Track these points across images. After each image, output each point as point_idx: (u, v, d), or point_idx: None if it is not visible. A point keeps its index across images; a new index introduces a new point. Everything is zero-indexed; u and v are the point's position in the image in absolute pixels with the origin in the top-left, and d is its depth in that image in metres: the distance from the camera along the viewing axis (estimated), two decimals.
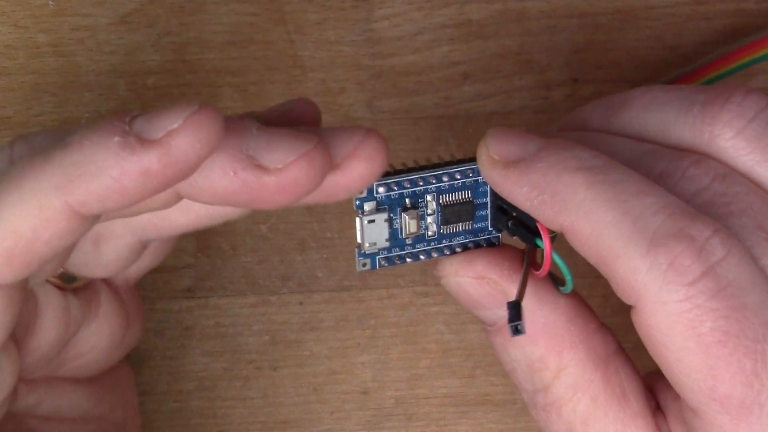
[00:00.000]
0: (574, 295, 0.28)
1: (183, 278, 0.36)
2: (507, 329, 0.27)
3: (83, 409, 0.30)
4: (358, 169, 0.25)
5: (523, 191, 0.26)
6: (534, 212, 0.26)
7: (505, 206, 0.28)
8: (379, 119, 0.36)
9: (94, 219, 0.24)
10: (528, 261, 0.27)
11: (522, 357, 0.28)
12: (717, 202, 0.26)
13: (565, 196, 0.25)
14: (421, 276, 0.36)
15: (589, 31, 0.36)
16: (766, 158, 0.26)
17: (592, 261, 0.25)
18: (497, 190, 0.27)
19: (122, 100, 0.35)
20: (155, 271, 0.33)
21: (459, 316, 0.36)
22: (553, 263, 0.27)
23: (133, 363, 0.34)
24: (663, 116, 0.27)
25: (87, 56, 0.35)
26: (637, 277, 0.24)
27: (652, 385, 0.28)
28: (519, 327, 0.26)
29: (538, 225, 0.26)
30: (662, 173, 0.26)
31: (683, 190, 0.26)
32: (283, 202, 0.24)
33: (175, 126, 0.23)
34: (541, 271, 0.27)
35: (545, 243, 0.26)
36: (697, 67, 0.34)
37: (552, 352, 0.27)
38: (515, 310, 0.26)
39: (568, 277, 0.27)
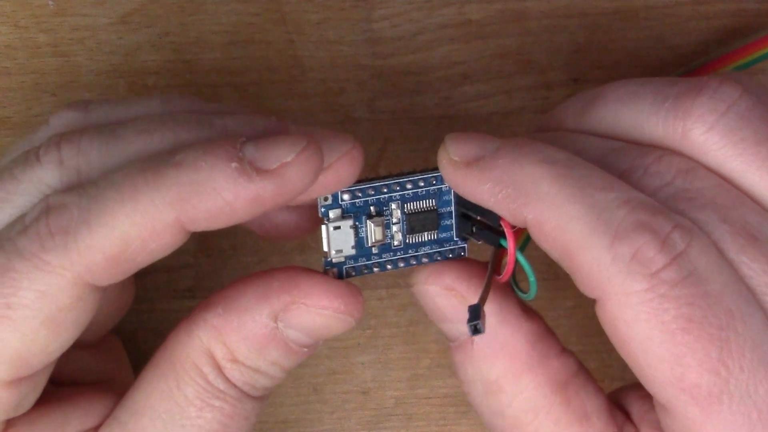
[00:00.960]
0: (539, 320, 0.28)
1: (183, 278, 0.36)
2: (468, 346, 0.28)
3: (95, 373, 0.31)
4: (344, 170, 0.27)
5: (485, 188, 0.26)
6: (498, 208, 0.26)
7: (469, 212, 0.28)
8: (379, 119, 0.36)
9: (188, 236, 0.26)
10: (493, 266, 0.27)
11: (478, 377, 0.28)
12: (680, 197, 0.26)
13: (529, 189, 0.25)
14: None
15: (589, 31, 0.36)
16: (738, 152, 0.26)
17: (556, 254, 0.25)
18: (460, 192, 0.27)
19: None
20: (155, 271, 0.34)
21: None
22: (519, 265, 0.27)
23: (134, 363, 0.34)
24: (636, 111, 0.27)
25: (87, 56, 0.35)
26: (601, 269, 0.24)
27: (622, 400, 0.28)
28: (478, 326, 0.25)
29: (501, 222, 0.26)
30: (626, 170, 0.26)
31: (646, 186, 0.26)
32: (280, 200, 0.25)
33: (288, 159, 0.25)
34: (505, 271, 0.27)
35: (509, 240, 0.26)
36: (696, 67, 0.34)
37: (509, 375, 0.27)
38: (475, 311, 0.26)
39: (531, 278, 0.27)
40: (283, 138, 0.25)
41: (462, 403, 0.36)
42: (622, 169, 0.26)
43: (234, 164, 0.25)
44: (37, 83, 0.35)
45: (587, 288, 0.25)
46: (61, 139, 0.27)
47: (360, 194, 0.28)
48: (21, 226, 0.26)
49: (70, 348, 0.28)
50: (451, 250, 0.29)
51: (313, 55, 0.36)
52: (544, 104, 0.36)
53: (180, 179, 0.25)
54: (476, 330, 0.26)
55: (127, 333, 0.35)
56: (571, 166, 0.25)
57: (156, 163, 0.25)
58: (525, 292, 0.28)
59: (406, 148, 0.36)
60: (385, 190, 0.28)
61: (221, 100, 0.36)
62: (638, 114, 0.27)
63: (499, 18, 0.36)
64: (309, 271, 0.28)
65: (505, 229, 0.26)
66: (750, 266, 0.25)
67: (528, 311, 0.28)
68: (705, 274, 0.24)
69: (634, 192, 0.25)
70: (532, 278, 0.27)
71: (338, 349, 0.36)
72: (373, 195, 0.28)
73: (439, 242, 0.29)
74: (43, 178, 0.27)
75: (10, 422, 0.27)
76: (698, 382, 0.24)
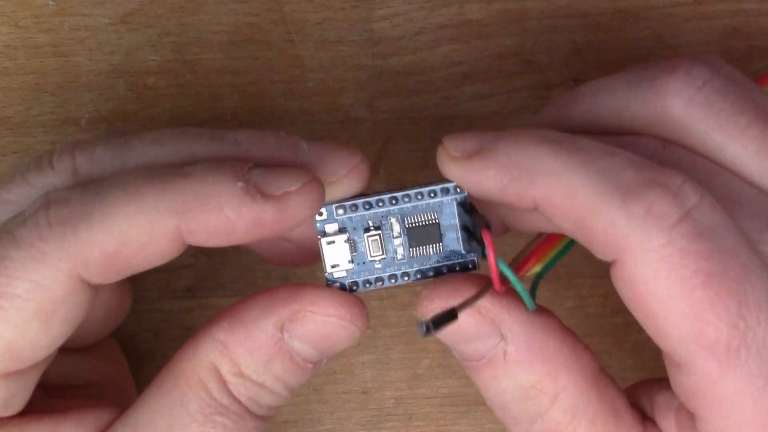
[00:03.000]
0: (554, 315, 0.28)
1: (183, 278, 0.36)
2: (499, 358, 0.27)
3: (86, 376, 0.31)
4: (351, 184, 0.28)
5: (489, 175, 0.26)
6: (504, 193, 0.26)
7: (467, 225, 0.27)
8: (379, 119, 0.36)
9: (185, 247, 0.26)
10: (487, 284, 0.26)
11: (515, 386, 0.27)
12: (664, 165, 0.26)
13: (533, 167, 0.25)
14: None
15: (589, 31, 0.36)
16: (719, 125, 0.26)
17: (569, 226, 0.25)
18: (463, 185, 0.27)
19: (122, 100, 0.35)
20: (155, 271, 0.33)
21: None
22: (503, 278, 0.26)
23: (134, 363, 0.34)
24: (613, 98, 0.28)
25: (87, 56, 0.35)
26: (617, 228, 0.24)
27: (634, 399, 0.28)
28: (428, 326, 0.24)
29: (481, 231, 0.26)
30: None
31: None
32: (282, 226, 0.26)
33: (293, 188, 0.26)
34: (494, 280, 0.26)
35: (488, 249, 0.26)
36: None
37: (548, 377, 0.27)
38: (445, 317, 0.25)
39: (524, 296, 0.26)
40: (290, 169, 0.26)
41: (462, 403, 0.36)
42: None
43: (240, 183, 0.25)
44: (37, 83, 0.35)
45: (604, 251, 0.25)
46: (75, 147, 0.27)
47: (355, 209, 0.28)
48: (20, 218, 0.26)
49: (64, 352, 0.28)
50: (461, 264, 0.28)
51: (313, 55, 0.36)
52: (544, 104, 0.36)
53: (186, 189, 0.25)
54: (427, 330, 0.25)
55: (127, 333, 0.35)
56: (572, 141, 0.25)
57: (163, 170, 0.26)
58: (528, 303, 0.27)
59: (406, 148, 0.36)
60: (381, 204, 0.28)
61: (221, 100, 0.36)
62: (616, 99, 0.28)
63: (499, 18, 0.36)
64: (313, 285, 0.28)
65: (485, 238, 0.26)
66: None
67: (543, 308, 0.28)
68: (719, 229, 0.24)
69: (636, 155, 0.25)
70: (524, 295, 0.26)
71: None
72: (369, 210, 0.28)
73: (446, 256, 0.28)
74: (55, 184, 0.27)
75: (0, 423, 0.27)
76: (717, 337, 0.24)
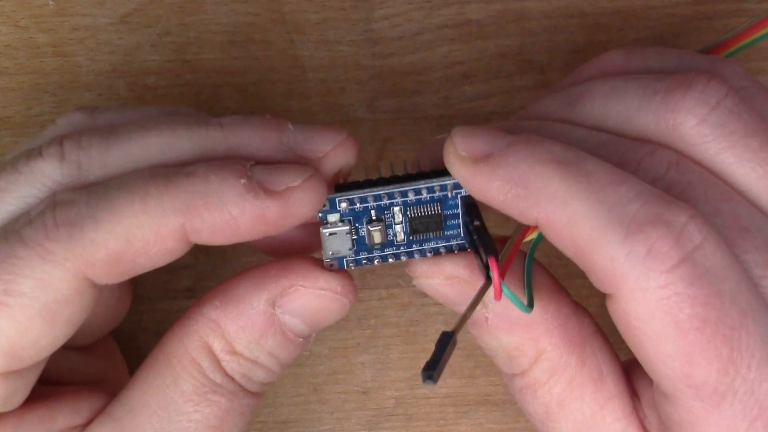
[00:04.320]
0: (548, 277, 0.28)
1: (183, 278, 0.36)
2: (482, 323, 0.28)
3: (83, 373, 0.31)
4: (339, 158, 0.28)
5: (495, 185, 0.26)
6: (507, 207, 0.26)
7: (470, 231, 0.27)
8: (379, 119, 0.36)
9: (189, 246, 0.26)
10: (477, 297, 0.27)
11: (498, 346, 0.28)
12: (673, 191, 0.26)
13: (539, 188, 0.25)
14: None
15: (589, 31, 0.36)
16: (729, 145, 0.26)
17: (569, 252, 0.25)
18: (468, 189, 0.27)
19: (122, 100, 0.35)
20: (155, 271, 0.33)
21: (459, 316, 0.36)
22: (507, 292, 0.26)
23: (134, 363, 0.34)
24: (624, 105, 0.27)
25: (87, 56, 0.35)
26: (615, 264, 0.24)
27: (628, 371, 0.28)
28: (431, 375, 0.24)
29: (489, 260, 0.26)
30: (618, 164, 0.26)
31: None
32: (286, 222, 0.26)
33: (295, 184, 0.26)
34: (495, 294, 0.26)
35: (494, 277, 0.26)
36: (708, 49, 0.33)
37: (528, 341, 0.28)
38: (433, 363, 0.24)
39: (522, 309, 0.27)
40: (291, 165, 0.27)
41: (462, 403, 0.36)
42: (614, 163, 0.26)
43: (243, 180, 0.26)
44: (37, 83, 0.35)
45: (601, 284, 0.25)
46: (63, 137, 0.28)
47: (359, 202, 0.28)
48: (26, 218, 0.26)
49: (63, 349, 0.29)
50: (458, 245, 0.28)
51: (313, 55, 0.36)
52: None
53: (190, 188, 0.25)
54: (429, 378, 0.24)
55: (127, 333, 0.35)
56: (580, 162, 0.25)
57: (167, 171, 0.26)
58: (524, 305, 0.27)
59: (406, 148, 0.36)
60: (386, 198, 0.28)
61: (221, 100, 0.36)
62: (627, 108, 0.27)
63: (499, 18, 0.36)
64: (303, 257, 0.28)
65: (492, 270, 0.26)
66: (742, 258, 0.25)
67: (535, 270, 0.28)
68: (719, 272, 0.24)
69: (644, 184, 0.25)
70: (522, 309, 0.27)
71: (338, 349, 0.36)
72: (372, 202, 0.28)
73: (445, 238, 0.28)
74: (44, 169, 0.27)
75: None
76: (706, 380, 0.24)
